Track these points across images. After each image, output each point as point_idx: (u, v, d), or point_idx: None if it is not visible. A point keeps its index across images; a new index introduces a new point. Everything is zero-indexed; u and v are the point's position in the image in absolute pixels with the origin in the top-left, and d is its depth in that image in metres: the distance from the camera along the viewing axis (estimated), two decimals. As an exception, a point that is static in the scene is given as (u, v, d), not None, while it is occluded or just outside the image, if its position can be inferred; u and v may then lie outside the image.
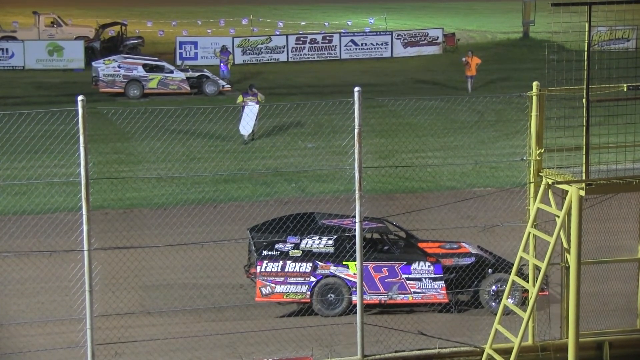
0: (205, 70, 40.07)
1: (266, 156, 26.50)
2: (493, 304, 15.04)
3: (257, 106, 27.98)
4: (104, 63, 38.78)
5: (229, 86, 39.13)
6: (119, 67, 38.15)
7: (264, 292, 15.06)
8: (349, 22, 63.07)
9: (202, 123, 26.71)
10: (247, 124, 27.76)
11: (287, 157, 26.58)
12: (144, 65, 38.58)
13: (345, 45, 51.43)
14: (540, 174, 11.59)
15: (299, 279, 15.10)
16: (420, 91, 39.37)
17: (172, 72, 38.66)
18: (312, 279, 15.13)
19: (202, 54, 48.83)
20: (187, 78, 38.58)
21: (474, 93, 36.69)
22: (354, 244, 12.26)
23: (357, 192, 11.72)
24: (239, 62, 48.64)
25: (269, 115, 28.42)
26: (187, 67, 40.88)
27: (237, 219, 18.16)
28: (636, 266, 12.55)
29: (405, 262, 15.23)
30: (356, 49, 51.60)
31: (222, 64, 41.54)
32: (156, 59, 41.35)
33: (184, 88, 38.39)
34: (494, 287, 15.20)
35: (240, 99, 28.67)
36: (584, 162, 10.63)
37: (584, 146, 10.57)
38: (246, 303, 15.24)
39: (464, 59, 38.79)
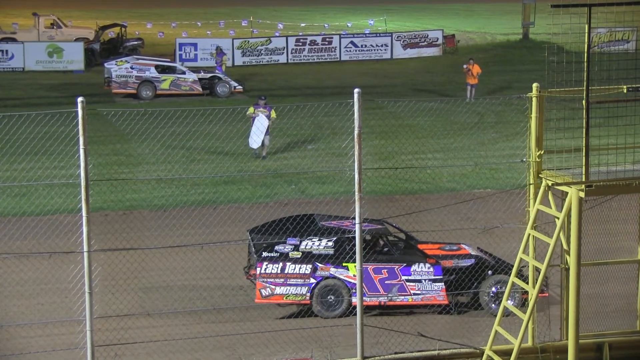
0: (216, 71, 40.09)
1: (265, 157, 26.50)
2: (493, 305, 15.03)
3: (268, 120, 26.57)
4: (116, 64, 38.81)
5: (241, 87, 39.18)
6: (132, 68, 38.18)
7: (263, 294, 15.05)
8: (348, 24, 63.11)
9: (202, 124, 26.71)
10: (257, 137, 26.48)
11: (286, 158, 26.58)
12: (157, 67, 38.63)
13: (345, 47, 51.44)
14: (540, 175, 11.59)
15: (299, 280, 15.10)
16: (420, 93, 39.39)
17: (184, 73, 38.72)
18: (312, 280, 15.12)
19: (201, 56, 48.84)
20: (199, 79, 38.62)
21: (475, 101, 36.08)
22: (354, 245, 12.26)
23: (356, 193, 11.72)
24: (238, 64, 48.73)
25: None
26: (187, 68, 40.86)
27: (236, 221, 18.17)
28: (636, 268, 12.54)
29: (405, 264, 15.23)
30: (356, 51, 51.61)
31: (217, 65, 41.53)
32: (168, 60, 41.45)
33: (196, 89, 38.42)
34: (493, 289, 15.20)
35: (251, 110, 26.91)
36: (583, 163, 10.63)
37: (584, 148, 10.58)
38: (246, 305, 15.24)
39: (465, 66, 37.65)
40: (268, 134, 26.67)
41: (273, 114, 26.55)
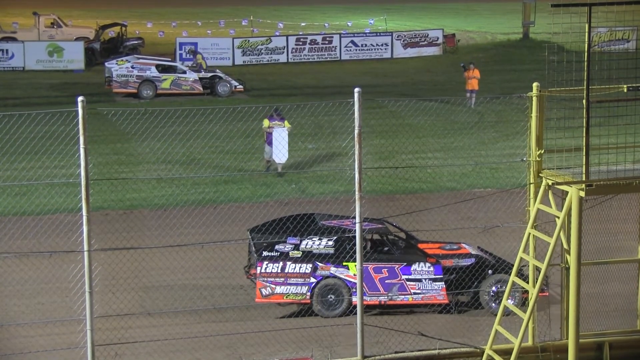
0: (217, 70, 40.13)
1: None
2: (493, 304, 15.04)
3: (286, 132, 24.94)
4: (117, 63, 38.90)
5: (242, 87, 39.22)
6: (133, 67, 38.22)
7: (264, 293, 15.06)
8: (349, 23, 63.09)
9: (202, 124, 26.69)
10: (283, 151, 24.67)
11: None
12: (157, 66, 38.65)
13: (345, 46, 51.44)
14: (540, 174, 11.59)
15: (299, 279, 15.10)
16: (420, 92, 39.38)
17: (184, 72, 38.75)
18: (312, 279, 15.13)
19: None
20: (200, 79, 38.64)
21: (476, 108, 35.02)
22: (354, 244, 12.26)
23: (357, 193, 11.72)
24: (239, 63, 48.73)
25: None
26: (188, 67, 40.84)
27: (237, 220, 18.17)
28: (636, 267, 12.55)
29: (405, 263, 15.23)
30: (356, 50, 51.61)
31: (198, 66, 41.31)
32: (169, 59, 41.46)
33: (197, 88, 38.47)
34: (494, 288, 15.20)
35: (266, 123, 25.25)
36: (584, 163, 10.63)
37: (584, 147, 10.58)
38: (246, 304, 15.24)
39: (462, 65, 36.29)
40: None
41: (287, 124, 25.42)
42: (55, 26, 51.98)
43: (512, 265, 11.98)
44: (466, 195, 21.37)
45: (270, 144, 25.07)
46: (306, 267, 15.11)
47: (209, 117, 25.40)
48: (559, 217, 11.01)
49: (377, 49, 51.96)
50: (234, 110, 27.23)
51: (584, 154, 10.60)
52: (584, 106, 10.50)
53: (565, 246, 11.32)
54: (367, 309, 14.52)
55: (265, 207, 20.23)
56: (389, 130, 25.99)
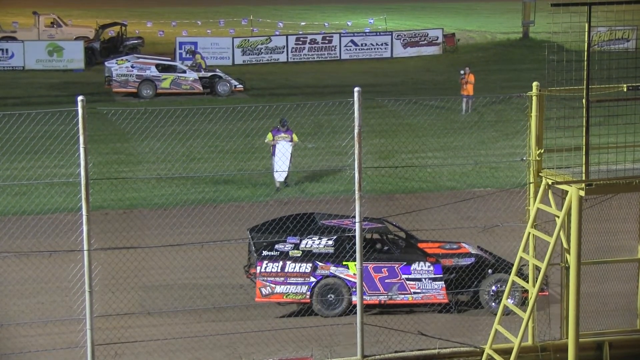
0: (217, 70, 40.14)
1: (266, 156, 26.43)
2: (493, 304, 15.04)
3: (291, 145, 23.54)
4: (117, 63, 38.95)
5: (242, 86, 39.24)
6: (132, 67, 38.25)
7: (263, 293, 15.06)
8: (348, 23, 63.08)
9: (202, 123, 26.70)
10: (283, 166, 23.09)
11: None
12: (157, 65, 38.68)
13: (345, 46, 51.46)
14: (540, 174, 11.59)
15: (299, 279, 15.10)
16: (420, 91, 39.37)
17: (184, 72, 38.76)
18: (312, 279, 15.13)
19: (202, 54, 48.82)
20: (200, 78, 38.66)
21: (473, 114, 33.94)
22: (354, 244, 12.26)
23: (356, 192, 11.72)
24: (238, 63, 48.74)
25: (268, 115, 28.38)
26: (187, 66, 40.86)
27: (237, 220, 18.17)
28: (636, 266, 12.55)
29: (405, 263, 15.23)
30: (356, 50, 51.62)
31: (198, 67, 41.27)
32: (169, 59, 41.48)
33: (197, 88, 38.50)
34: (493, 288, 15.20)
35: (269, 137, 23.82)
36: (583, 162, 10.63)
37: (584, 146, 10.58)
38: (246, 303, 15.25)
39: (461, 72, 34.69)
40: (291, 161, 23.54)
41: (295, 138, 23.90)
42: (55, 26, 51.99)
43: (512, 265, 11.98)
44: (466, 194, 21.38)
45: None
46: (306, 267, 15.11)
47: (208, 117, 25.39)
48: (558, 217, 11.01)
49: (377, 49, 51.97)
50: (233, 110, 27.18)
51: (584, 153, 10.59)
52: (584, 106, 10.50)
53: (565, 245, 11.32)
54: (367, 308, 14.52)
55: (265, 207, 20.22)
56: (389, 130, 25.98)
